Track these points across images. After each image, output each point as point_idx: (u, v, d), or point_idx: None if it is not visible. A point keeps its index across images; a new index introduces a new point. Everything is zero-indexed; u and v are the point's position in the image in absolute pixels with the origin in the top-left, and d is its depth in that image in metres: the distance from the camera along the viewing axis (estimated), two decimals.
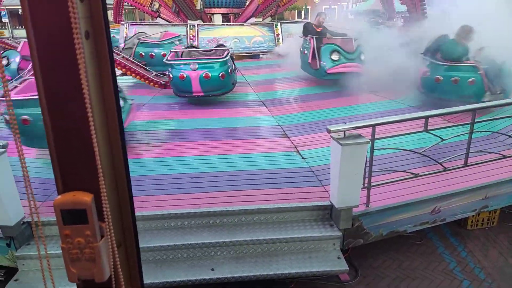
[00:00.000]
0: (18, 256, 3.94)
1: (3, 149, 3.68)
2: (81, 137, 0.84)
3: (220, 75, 7.86)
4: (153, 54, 10.67)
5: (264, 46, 14.19)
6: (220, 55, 8.41)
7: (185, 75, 7.73)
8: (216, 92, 8.10)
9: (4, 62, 9.03)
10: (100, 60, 0.85)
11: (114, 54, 9.26)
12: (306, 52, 9.53)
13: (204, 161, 5.44)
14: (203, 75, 7.72)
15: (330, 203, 4.20)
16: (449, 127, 4.56)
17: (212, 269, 3.91)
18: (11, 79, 8.41)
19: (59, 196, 0.88)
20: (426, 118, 4.06)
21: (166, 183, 4.80)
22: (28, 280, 3.88)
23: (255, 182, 4.76)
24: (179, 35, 12.04)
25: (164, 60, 8.31)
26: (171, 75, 7.98)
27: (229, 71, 8.12)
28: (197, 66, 7.79)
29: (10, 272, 4.08)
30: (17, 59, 9.14)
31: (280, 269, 3.89)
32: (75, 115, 0.82)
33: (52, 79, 0.80)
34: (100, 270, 0.91)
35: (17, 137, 0.80)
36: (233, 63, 8.65)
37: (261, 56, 14.14)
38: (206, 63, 7.93)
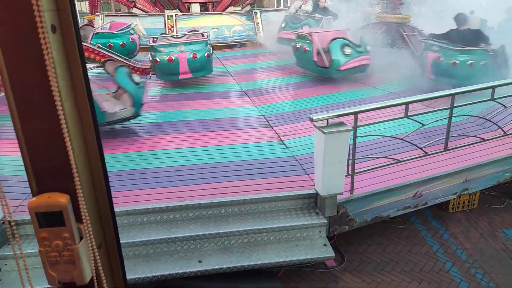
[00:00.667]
0: None
1: None
2: (52, 136, 0.80)
3: (205, 54, 8.38)
4: (111, 44, 10.37)
5: (244, 35, 14.05)
6: (200, 38, 8.77)
7: (173, 57, 8.06)
8: (201, 73, 8.58)
9: None
10: (68, 54, 0.81)
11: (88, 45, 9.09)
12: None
13: (187, 153, 5.39)
14: (191, 55, 8.14)
15: (315, 192, 4.23)
16: (429, 112, 4.62)
17: (200, 261, 3.91)
18: None
19: (34, 198, 0.84)
20: (407, 104, 4.11)
21: (149, 177, 4.74)
22: (10, 281, 3.80)
23: (239, 173, 4.75)
24: (129, 25, 11.64)
25: (150, 43, 8.55)
26: (157, 59, 8.15)
27: (211, 51, 8.62)
28: (183, 48, 8.18)
29: None
30: None
31: (268, 258, 3.92)
32: (45, 113, 0.78)
33: (19, 76, 0.76)
34: (80, 272, 0.88)
35: None
36: (210, 46, 9.00)
37: (239, 46, 13.99)
38: (191, 44, 8.38)
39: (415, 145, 4.46)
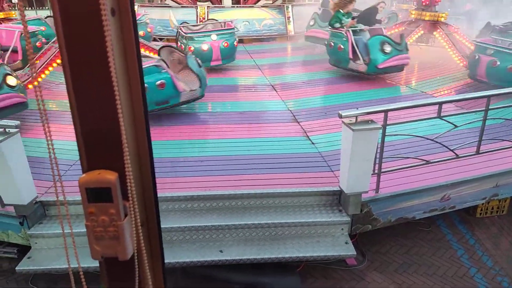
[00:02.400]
0: (31, 234, 4.01)
1: (16, 129, 3.70)
2: (106, 116, 0.84)
3: (234, 43, 9.25)
4: None
5: (274, 29, 13.98)
6: (230, 28, 9.52)
7: (207, 46, 8.81)
8: (228, 60, 9.36)
9: None
10: (125, 37, 0.84)
11: None
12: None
13: (213, 144, 5.45)
14: (224, 44, 8.93)
15: (339, 189, 4.20)
16: (462, 113, 4.49)
17: (221, 251, 3.96)
18: None
19: (84, 175, 0.88)
20: (440, 104, 4.00)
21: (175, 166, 4.82)
22: (41, 258, 3.96)
23: (264, 167, 4.77)
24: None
25: (184, 34, 9.18)
26: (192, 47, 8.80)
27: (237, 40, 9.45)
28: (216, 37, 8.96)
29: (23, 250, 4.17)
30: None
31: (288, 252, 3.93)
32: (101, 94, 0.82)
33: (78, 58, 0.80)
34: (123, 248, 0.91)
35: (44, 118, 0.80)
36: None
37: (272, 40, 13.93)
38: (222, 33, 9.12)
39: (446, 146, 4.35)
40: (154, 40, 11.64)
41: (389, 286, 3.95)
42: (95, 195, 0.88)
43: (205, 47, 8.83)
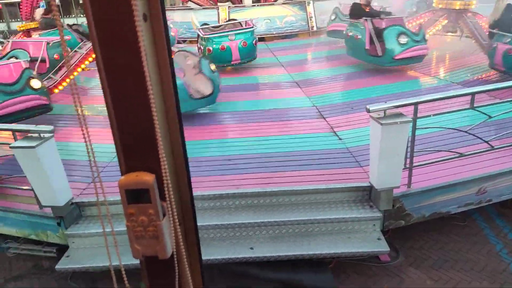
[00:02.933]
0: (68, 234, 4.16)
1: (50, 134, 3.84)
2: (142, 119, 0.86)
3: (253, 42, 9.26)
4: None
5: (296, 25, 13.89)
6: (249, 27, 9.60)
7: (226, 46, 8.90)
8: (248, 59, 9.39)
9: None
10: (157, 42, 0.85)
11: None
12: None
13: (240, 143, 5.47)
14: (241, 43, 8.98)
15: (369, 184, 4.13)
16: (496, 103, 4.32)
17: (251, 248, 3.98)
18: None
19: (123, 177, 0.90)
20: (473, 94, 3.86)
21: (204, 165, 4.88)
22: (78, 257, 4.11)
23: (291, 164, 4.75)
24: None
25: (203, 35, 9.31)
26: (210, 48, 8.94)
27: (257, 39, 9.44)
28: (234, 37, 9.01)
29: (62, 249, 4.33)
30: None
31: (319, 249, 3.91)
32: (136, 98, 0.84)
33: (113, 63, 0.82)
34: (163, 247, 0.93)
35: (84, 123, 0.83)
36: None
37: (294, 36, 13.86)
38: (240, 33, 9.17)
39: (480, 138, 4.19)
40: (178, 42, 11.84)
41: (425, 282, 3.86)
42: (134, 196, 0.90)
43: (223, 47, 8.95)
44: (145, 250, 0.95)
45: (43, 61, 8.40)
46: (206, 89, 6.42)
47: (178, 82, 6.12)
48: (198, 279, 1.09)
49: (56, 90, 7.64)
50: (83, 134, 0.87)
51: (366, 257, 4.09)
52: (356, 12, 8.80)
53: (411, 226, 4.30)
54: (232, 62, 9.18)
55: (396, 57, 7.74)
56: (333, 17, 11.64)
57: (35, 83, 6.32)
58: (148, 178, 0.89)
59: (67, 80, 7.74)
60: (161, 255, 0.94)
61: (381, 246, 3.89)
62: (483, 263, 4.05)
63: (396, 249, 4.29)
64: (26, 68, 6.42)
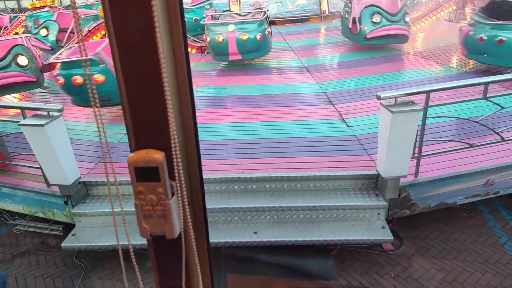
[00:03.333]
0: (74, 213, 4.21)
1: (59, 113, 3.84)
2: (154, 97, 0.84)
3: (257, 36, 7.80)
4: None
5: (308, 9, 13.65)
6: (256, 18, 8.35)
7: (222, 37, 7.71)
8: (253, 55, 8.09)
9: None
10: (171, 19, 0.83)
11: None
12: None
13: (247, 127, 5.45)
14: (241, 36, 7.67)
15: (376, 173, 4.11)
16: (509, 94, 4.23)
17: (255, 233, 4.00)
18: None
19: (132, 154, 0.89)
20: (486, 84, 3.79)
21: (210, 149, 4.87)
22: (84, 235, 4.16)
23: (298, 150, 4.73)
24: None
25: (201, 22, 8.52)
26: (208, 38, 7.96)
27: (266, 33, 8.00)
28: (234, 28, 7.76)
29: (68, 227, 4.39)
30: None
31: (323, 235, 3.91)
32: (149, 74, 0.82)
33: (126, 38, 0.80)
34: (171, 226, 0.93)
35: (95, 99, 0.81)
36: (268, 25, 8.50)
37: (305, 21, 13.63)
38: (243, 24, 7.90)
39: (491, 129, 4.13)
40: None
41: (428, 271, 3.86)
42: (143, 174, 0.90)
43: (220, 38, 7.73)
44: (153, 229, 0.95)
45: (72, 32, 8.73)
46: None
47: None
48: (205, 259, 1.08)
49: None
50: (95, 113, 0.85)
51: (369, 245, 4.10)
52: None
53: (416, 216, 4.29)
54: (230, 57, 7.96)
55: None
56: None
57: (22, 60, 6.48)
58: (157, 156, 0.88)
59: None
60: (168, 235, 0.94)
61: (385, 235, 3.89)
62: (487, 255, 4.04)
63: (400, 238, 4.29)
64: (17, 45, 6.54)
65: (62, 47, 8.45)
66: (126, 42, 0.82)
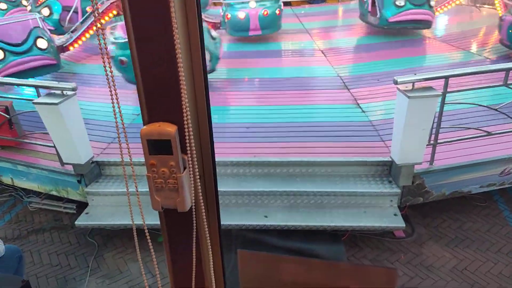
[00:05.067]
0: (88, 192, 4.26)
1: (73, 92, 3.86)
2: (168, 70, 0.82)
3: (276, 11, 8.30)
4: None
5: None
6: None
7: (244, 13, 8.04)
8: (270, 30, 8.48)
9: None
10: (186, 2, 0.80)
11: None
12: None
13: (260, 111, 5.41)
14: (263, 12, 8.06)
15: (390, 159, 4.05)
16: None
17: (266, 216, 4.01)
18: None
19: (145, 127, 0.88)
20: (507, 70, 3.66)
21: (221, 132, 4.86)
22: (97, 214, 4.22)
23: (312, 134, 4.68)
24: None
25: (222, 1, 8.57)
26: (228, 15, 8.20)
27: (282, 8, 8.45)
28: (255, 4, 8.11)
29: (81, 206, 4.46)
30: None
31: (334, 221, 3.90)
32: (162, 47, 0.80)
33: (140, 14, 0.77)
34: (182, 200, 0.92)
35: (112, 83, 0.79)
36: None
37: (322, 1, 13.31)
38: (263, 0, 8.23)
39: (510, 117, 4.02)
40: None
41: (439, 260, 3.83)
42: (156, 147, 0.88)
43: (241, 15, 8.07)
44: (164, 202, 0.94)
45: (75, 12, 8.60)
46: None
47: None
48: (215, 234, 1.08)
49: (71, 48, 7.71)
50: (111, 93, 0.84)
51: (380, 231, 4.07)
52: None
53: (429, 204, 4.24)
54: (250, 33, 8.36)
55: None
56: None
57: (42, 43, 6.53)
58: (170, 129, 0.87)
59: (83, 38, 7.77)
60: (180, 208, 0.93)
61: (397, 222, 3.85)
62: (500, 245, 3.98)
63: (412, 225, 4.24)
64: (35, 27, 6.53)
65: (63, 27, 8.43)
66: (141, 19, 0.80)
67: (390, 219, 3.90)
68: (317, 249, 4.02)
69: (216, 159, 3.99)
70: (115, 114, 0.87)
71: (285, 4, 9.61)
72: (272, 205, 4.14)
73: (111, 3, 7.93)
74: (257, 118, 5.19)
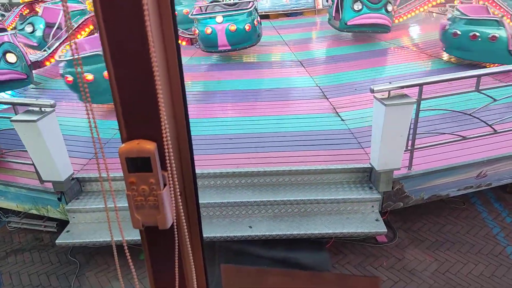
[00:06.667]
0: (68, 209, 4.19)
1: (51, 108, 3.81)
2: (145, 86, 0.83)
3: (245, 26, 7.83)
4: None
5: (302, 3, 13.58)
6: (244, 8, 8.32)
7: (211, 29, 7.71)
8: (242, 45, 8.10)
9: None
10: (162, 11, 0.82)
11: None
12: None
13: (242, 122, 5.44)
14: (229, 27, 7.68)
15: (370, 166, 4.13)
16: (501, 86, 4.26)
17: (250, 227, 4.01)
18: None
19: (124, 145, 0.88)
20: (479, 77, 3.81)
21: (204, 143, 4.87)
22: (79, 231, 4.14)
23: (293, 144, 4.74)
24: None
25: (189, 16, 8.34)
26: (197, 30, 7.96)
27: (254, 22, 8.03)
28: (222, 19, 7.74)
29: (62, 224, 4.37)
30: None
31: (317, 229, 3.94)
32: (139, 64, 0.81)
33: (114, 25, 0.79)
34: (163, 217, 0.93)
35: (86, 97, 0.80)
36: (258, 15, 8.52)
37: (299, 14, 13.56)
38: (231, 15, 7.88)
39: (484, 121, 4.16)
40: None
41: (421, 263, 3.90)
42: (135, 165, 0.89)
43: (208, 30, 7.69)
44: (145, 219, 0.95)
45: (59, 28, 8.52)
46: None
47: None
48: (198, 250, 1.09)
49: (48, 63, 7.63)
50: (86, 108, 0.85)
51: (363, 237, 4.13)
52: None
53: (409, 208, 4.33)
54: (219, 48, 7.96)
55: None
56: None
57: (11, 58, 6.47)
58: (149, 146, 0.88)
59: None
60: (161, 225, 0.93)
61: (379, 227, 3.92)
62: (480, 246, 4.08)
63: (394, 230, 4.32)
64: (4, 42, 6.49)
65: (48, 43, 8.37)
66: (116, 34, 0.81)
67: (372, 224, 3.96)
68: (302, 258, 4.04)
69: (199, 171, 3.99)
70: (91, 129, 0.87)
71: (263, 17, 9.65)
72: (256, 216, 4.15)
73: (86, 18, 7.89)
74: (238, 129, 5.22)
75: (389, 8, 8.36)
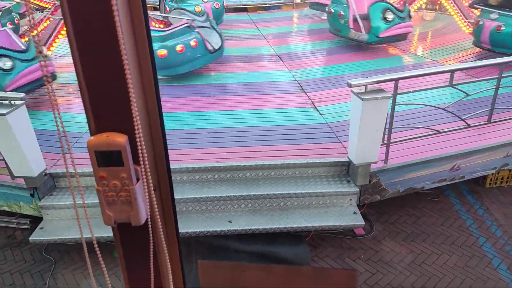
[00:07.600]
0: (42, 206, 4.06)
1: (21, 101, 3.68)
2: (114, 75, 0.80)
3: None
4: None
5: None
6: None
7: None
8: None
9: None
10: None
11: None
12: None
13: (220, 116, 5.40)
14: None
15: (348, 159, 4.17)
16: (474, 81, 4.38)
17: (230, 221, 4.00)
18: None
19: (92, 138, 0.84)
20: (452, 72, 3.89)
21: (183, 138, 4.81)
22: (53, 228, 4.03)
23: (272, 138, 4.73)
24: None
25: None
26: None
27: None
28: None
29: (36, 221, 4.24)
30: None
31: (296, 222, 3.96)
32: (107, 54, 0.77)
33: (81, 16, 0.75)
34: (136, 213, 0.89)
35: (52, 94, 0.76)
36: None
37: (277, 8, 13.45)
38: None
39: (457, 115, 4.27)
40: None
41: (397, 255, 3.98)
42: (105, 158, 0.85)
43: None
44: (117, 216, 0.91)
45: None
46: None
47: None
48: (174, 246, 1.06)
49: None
50: (51, 101, 0.80)
51: (342, 230, 4.18)
52: None
53: (386, 201, 4.40)
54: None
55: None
56: None
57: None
58: (120, 139, 0.84)
59: (52, 48, 7.48)
60: (134, 221, 0.90)
61: (357, 220, 3.97)
62: (454, 237, 4.20)
63: (371, 223, 4.39)
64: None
65: None
66: (84, 22, 0.77)
67: (350, 217, 4.01)
68: (282, 252, 4.06)
69: (178, 166, 3.93)
70: (56, 124, 0.83)
71: (241, 10, 9.44)
72: (235, 210, 4.14)
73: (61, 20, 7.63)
74: (217, 123, 5.17)
75: (412, 13, 7.90)
